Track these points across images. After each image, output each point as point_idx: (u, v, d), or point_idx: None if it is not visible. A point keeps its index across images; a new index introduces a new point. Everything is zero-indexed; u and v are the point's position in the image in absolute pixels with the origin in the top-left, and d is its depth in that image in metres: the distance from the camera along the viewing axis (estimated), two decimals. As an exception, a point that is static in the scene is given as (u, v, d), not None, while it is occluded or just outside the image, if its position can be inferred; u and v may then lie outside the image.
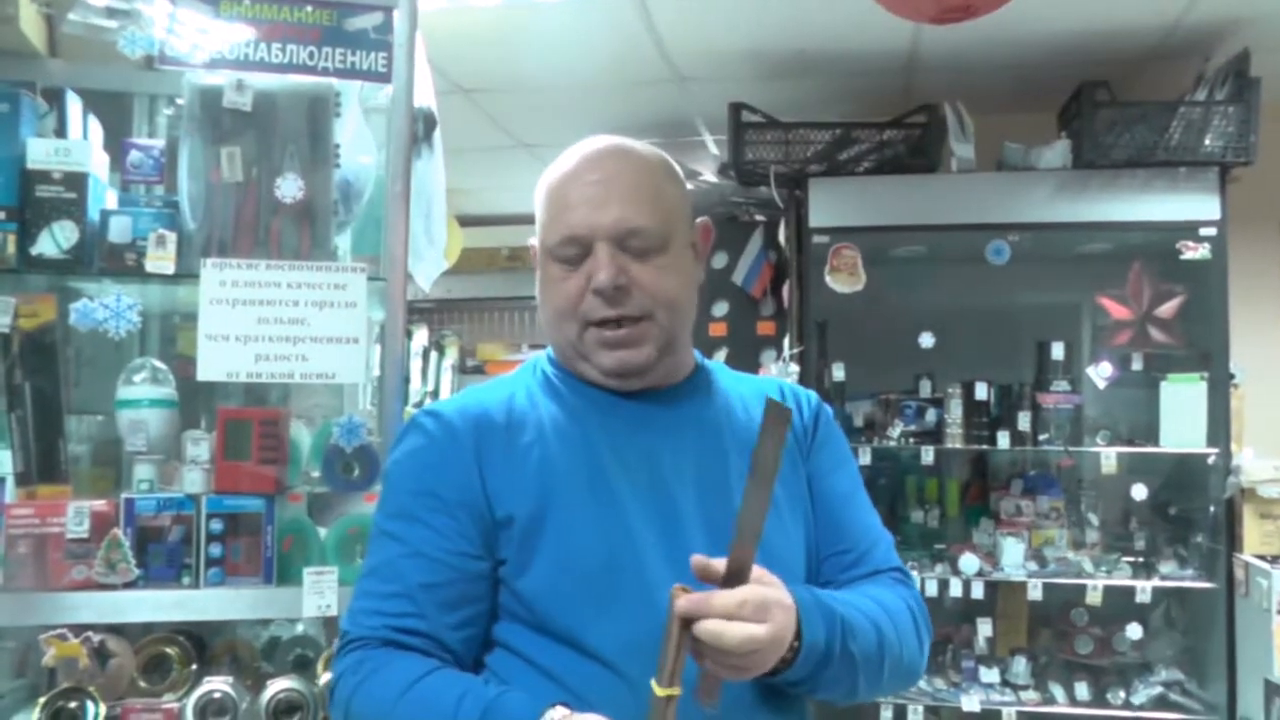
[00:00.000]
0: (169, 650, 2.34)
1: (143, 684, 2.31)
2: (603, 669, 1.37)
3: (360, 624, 1.42)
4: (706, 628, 1.21)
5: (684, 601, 1.22)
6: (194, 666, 2.34)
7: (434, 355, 6.78)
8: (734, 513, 1.42)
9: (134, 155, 2.34)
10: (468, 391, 1.61)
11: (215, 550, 2.20)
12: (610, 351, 1.48)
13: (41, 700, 2.18)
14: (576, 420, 1.51)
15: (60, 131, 2.36)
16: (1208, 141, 3.89)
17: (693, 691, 1.24)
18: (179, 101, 2.34)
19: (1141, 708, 4.02)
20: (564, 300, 1.48)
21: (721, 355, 4.60)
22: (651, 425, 1.51)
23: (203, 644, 2.43)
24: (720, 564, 1.26)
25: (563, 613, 1.39)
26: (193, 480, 2.22)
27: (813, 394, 1.70)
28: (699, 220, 1.60)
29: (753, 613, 1.23)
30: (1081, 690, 4.12)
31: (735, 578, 1.24)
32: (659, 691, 1.20)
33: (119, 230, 2.21)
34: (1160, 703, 4.04)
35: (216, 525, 2.21)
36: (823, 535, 1.58)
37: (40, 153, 2.21)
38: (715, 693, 1.26)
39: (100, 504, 2.20)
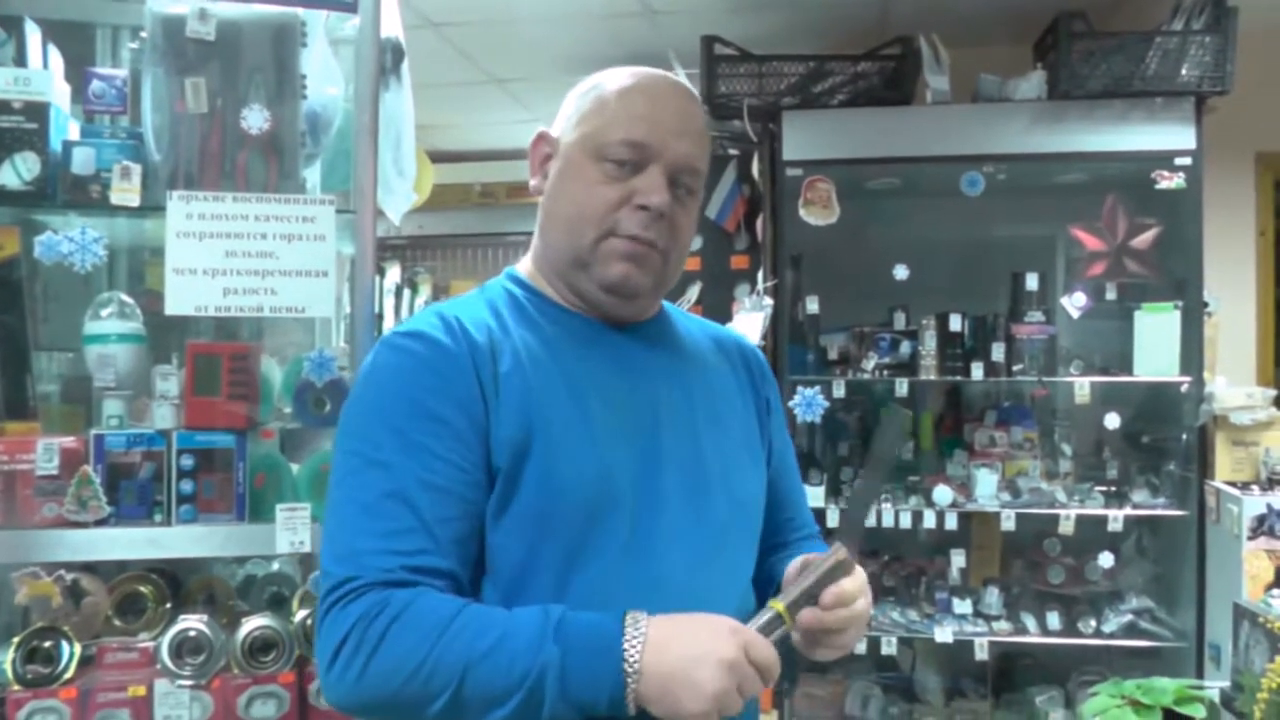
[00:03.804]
0: (143, 589, 2.33)
1: (117, 623, 2.31)
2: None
3: (368, 565, 1.26)
4: (843, 620, 1.33)
5: (850, 585, 1.34)
6: (168, 605, 2.34)
7: (407, 292, 6.75)
8: (702, 456, 1.47)
9: (96, 85, 2.29)
10: (437, 308, 1.48)
11: (187, 487, 2.19)
12: (622, 264, 1.42)
13: (15, 640, 2.17)
14: (553, 351, 1.43)
15: (20, 61, 2.31)
16: (1184, 71, 3.88)
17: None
18: (143, 34, 2.29)
19: (1112, 635, 4.07)
20: (596, 204, 1.41)
21: (695, 289, 4.59)
22: (631, 363, 1.48)
23: (177, 582, 2.42)
24: (820, 558, 1.34)
25: (543, 567, 1.33)
26: (163, 416, 2.20)
27: (762, 356, 1.72)
28: None
29: (863, 590, 1.37)
30: (1053, 620, 4.16)
31: (843, 570, 1.33)
32: (778, 605, 1.30)
33: (82, 162, 2.17)
34: (1130, 630, 4.09)
35: (187, 462, 2.19)
36: (773, 499, 1.61)
37: (-1, 81, 2.17)
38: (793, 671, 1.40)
39: (70, 441, 2.18)
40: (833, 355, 4.38)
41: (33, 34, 2.37)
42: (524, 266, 1.56)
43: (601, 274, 1.43)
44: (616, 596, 1.31)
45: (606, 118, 1.43)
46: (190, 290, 2.14)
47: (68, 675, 2.16)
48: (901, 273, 4.15)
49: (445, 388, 1.35)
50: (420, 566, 1.27)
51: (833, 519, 4.16)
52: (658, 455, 1.42)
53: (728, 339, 1.68)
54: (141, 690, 2.18)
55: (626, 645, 1.21)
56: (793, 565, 1.41)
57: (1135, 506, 4.09)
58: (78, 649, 2.18)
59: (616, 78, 1.48)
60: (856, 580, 1.34)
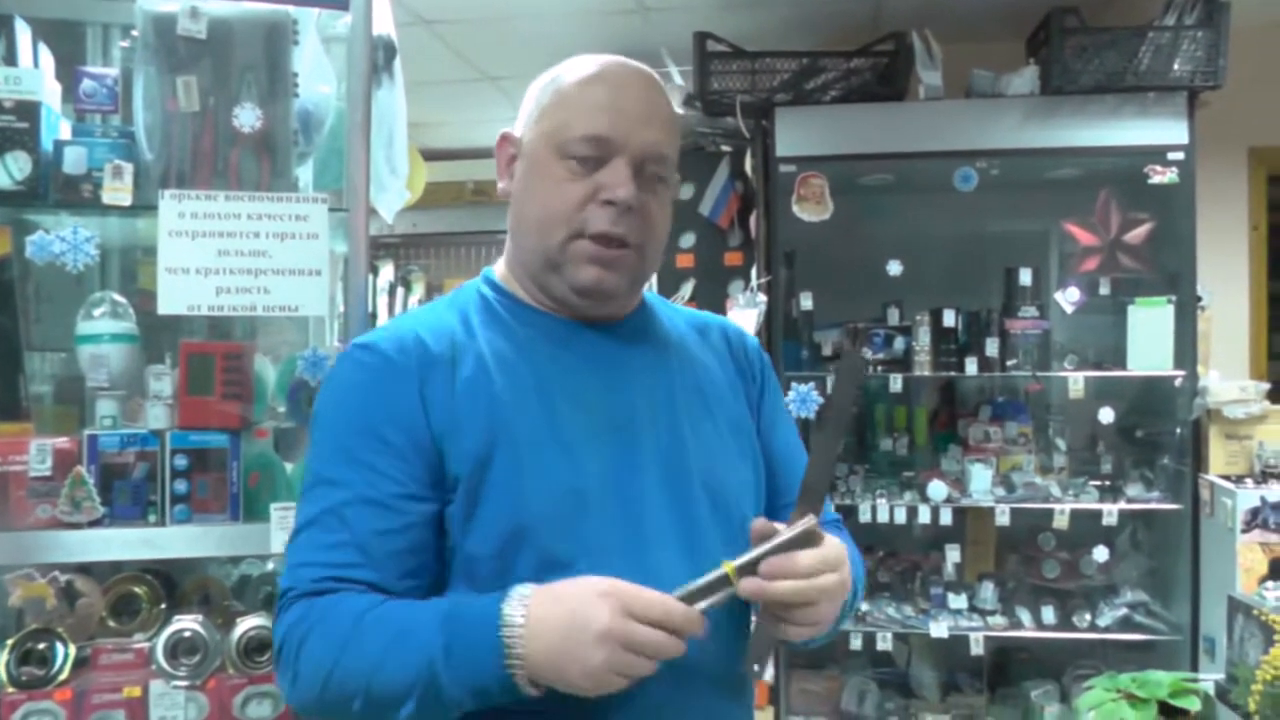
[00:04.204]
0: (137, 589, 2.32)
1: (112, 624, 2.30)
2: None
3: (301, 577, 1.31)
4: (791, 591, 1.23)
5: (779, 566, 1.23)
6: (163, 605, 2.33)
7: (400, 291, 6.74)
8: (683, 454, 1.43)
9: (87, 84, 2.28)
10: (400, 319, 1.49)
11: (181, 487, 2.18)
12: (593, 268, 1.39)
13: (10, 642, 2.16)
14: (524, 353, 1.41)
15: (10, 60, 2.30)
16: (1176, 66, 3.88)
17: (744, 660, 1.31)
18: (134, 33, 2.28)
19: (1107, 629, 4.08)
20: (562, 204, 1.38)
21: (689, 286, 4.59)
22: (606, 362, 1.45)
23: (172, 583, 2.41)
24: (785, 529, 1.25)
25: (519, 576, 1.28)
26: (156, 416, 2.19)
27: (753, 338, 1.67)
28: None
29: (833, 564, 1.26)
30: (1048, 614, 4.16)
31: (807, 541, 1.25)
32: (728, 565, 1.23)
33: (74, 161, 2.16)
34: (1125, 624, 4.10)
35: (181, 461, 2.18)
36: (773, 483, 1.56)
37: (-12, 81, 2.16)
38: (765, 658, 1.31)
39: (63, 441, 2.18)
40: (827, 351, 4.38)
41: (23, 33, 2.36)
42: (499, 268, 1.53)
43: (573, 276, 1.40)
44: None
45: (566, 112, 1.40)
46: (183, 289, 2.13)
47: (62, 677, 2.15)
48: (895, 268, 4.15)
49: (386, 404, 1.35)
50: (347, 578, 1.29)
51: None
52: (635, 455, 1.39)
53: (712, 325, 1.63)
54: (137, 691, 2.17)
55: (506, 626, 1.18)
56: (756, 524, 1.29)
57: (1129, 501, 4.10)
58: (72, 650, 2.17)
59: (574, 69, 1.44)
60: (817, 554, 1.25)
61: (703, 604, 1.21)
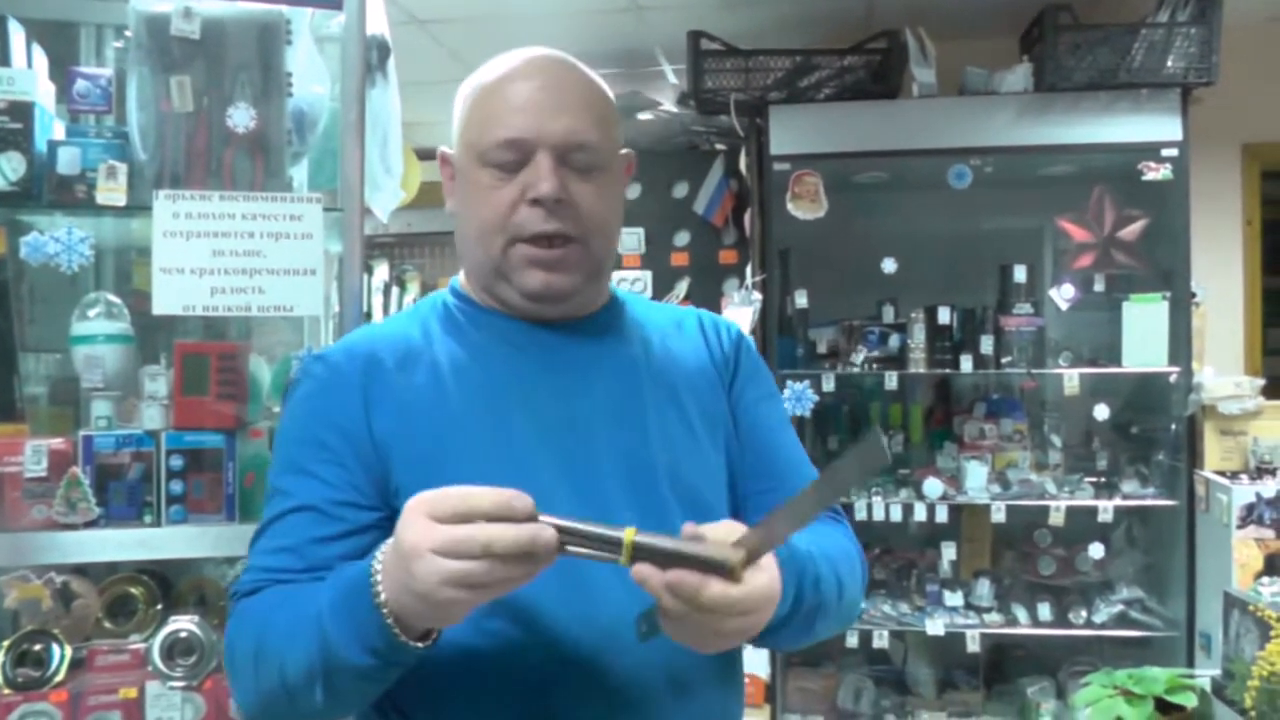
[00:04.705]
0: (133, 590, 2.32)
1: (108, 625, 2.29)
2: (512, 626, 1.26)
3: (241, 583, 1.31)
4: (677, 613, 1.07)
5: (686, 586, 1.05)
6: (159, 606, 2.33)
7: (395, 290, 6.73)
8: (648, 454, 1.37)
9: (81, 84, 2.28)
10: (359, 330, 1.49)
11: (176, 487, 2.18)
12: (538, 271, 1.35)
13: (5, 643, 2.16)
14: (479, 359, 1.39)
15: (3, 60, 2.30)
16: (1170, 63, 3.89)
17: (639, 616, 1.14)
18: (127, 34, 2.28)
19: (1103, 626, 4.09)
20: (493, 211, 1.35)
21: (684, 285, 4.59)
22: (564, 363, 1.41)
23: (168, 583, 2.41)
24: (724, 536, 1.10)
25: None
26: (152, 416, 2.19)
27: (734, 324, 1.60)
28: (625, 152, 1.50)
29: (740, 610, 1.09)
30: (1044, 611, 4.17)
31: (720, 571, 1.07)
32: (630, 533, 1.07)
33: (68, 161, 2.15)
34: (1121, 620, 4.11)
35: (177, 462, 2.18)
36: (751, 471, 1.49)
37: (-19, 82, 2.16)
38: (656, 625, 1.13)
39: (58, 442, 2.17)
40: (822, 349, 4.39)
41: (16, 33, 2.35)
42: (462, 276, 1.51)
43: (520, 283, 1.37)
44: (557, 605, 1.26)
45: (480, 120, 1.37)
46: (178, 289, 2.13)
47: (58, 678, 2.15)
48: (890, 266, 4.16)
49: (330, 413, 1.34)
50: (279, 581, 1.28)
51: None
52: (594, 457, 1.35)
53: (688, 317, 1.58)
54: (133, 692, 2.17)
55: (374, 571, 1.10)
56: (686, 529, 1.12)
57: (1125, 497, 4.11)
58: (68, 651, 2.17)
59: (484, 73, 1.41)
60: (733, 595, 1.07)
61: (581, 551, 1.07)
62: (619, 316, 1.51)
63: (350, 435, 1.32)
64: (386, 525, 1.26)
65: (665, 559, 1.06)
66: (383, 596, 1.08)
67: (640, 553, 1.06)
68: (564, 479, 1.33)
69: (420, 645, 1.12)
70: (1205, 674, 2.36)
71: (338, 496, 1.30)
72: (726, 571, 1.06)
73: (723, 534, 1.11)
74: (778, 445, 1.53)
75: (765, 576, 1.11)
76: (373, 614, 1.09)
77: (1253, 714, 2.13)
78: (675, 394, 1.45)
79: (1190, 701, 2.16)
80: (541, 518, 1.05)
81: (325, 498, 1.30)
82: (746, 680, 4.03)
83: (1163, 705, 2.18)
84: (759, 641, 1.26)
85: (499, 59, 1.41)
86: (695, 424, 1.45)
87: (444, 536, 1.02)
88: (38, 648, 2.16)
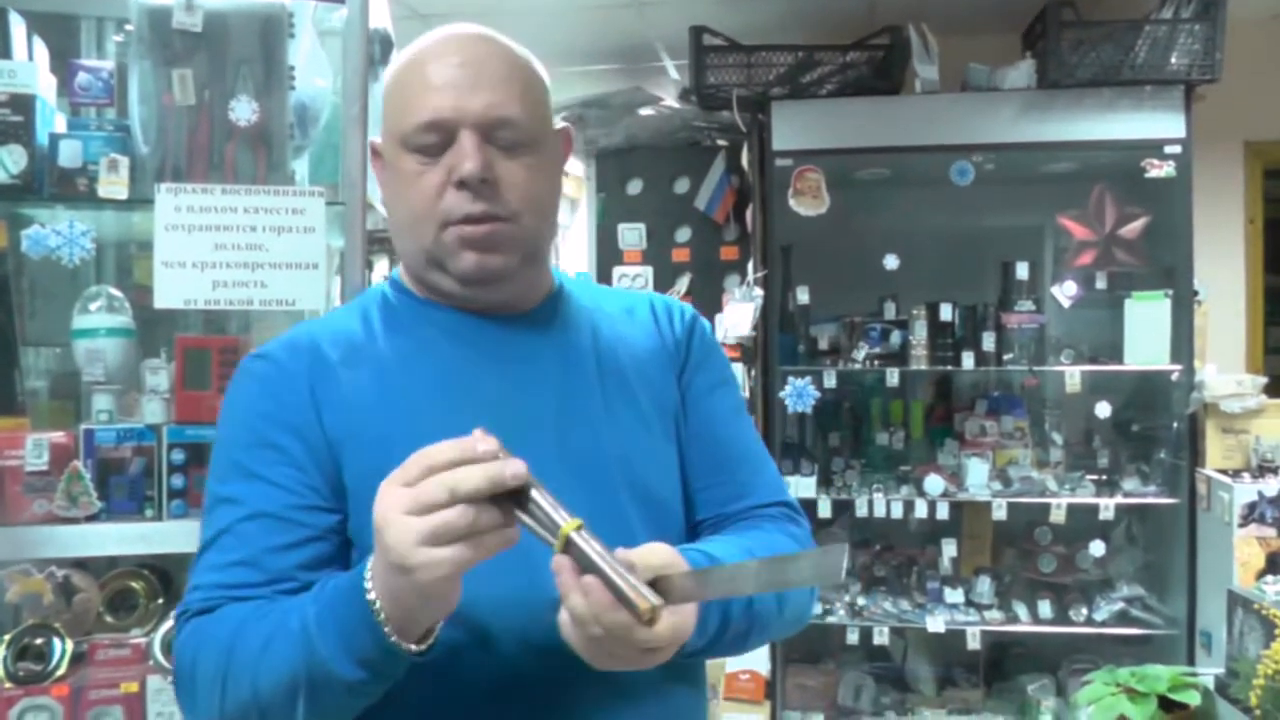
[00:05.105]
0: (134, 584, 2.32)
1: (109, 619, 2.29)
2: (466, 633, 1.19)
3: (192, 600, 1.22)
4: (580, 615, 1.02)
5: (593, 602, 1.00)
6: (160, 601, 2.32)
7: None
8: (599, 449, 1.31)
9: (82, 77, 2.27)
10: (300, 324, 1.41)
11: (177, 482, 2.17)
12: (471, 254, 1.28)
13: (6, 637, 2.16)
14: (422, 354, 1.33)
15: (4, 52, 2.29)
16: (1173, 59, 3.88)
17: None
18: (128, 27, 2.28)
19: (1104, 624, 4.09)
20: (421, 198, 1.28)
21: (684, 281, 4.59)
22: (511, 356, 1.35)
23: (169, 578, 2.40)
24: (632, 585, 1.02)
25: None
26: (153, 411, 2.19)
27: (687, 306, 1.53)
28: (561, 127, 1.42)
29: (661, 647, 1.05)
30: (1045, 608, 4.17)
31: (639, 614, 1.01)
32: (571, 524, 1.01)
33: (69, 154, 2.15)
34: (1122, 618, 4.10)
35: (178, 456, 2.17)
36: (701, 462, 1.43)
37: (-18, 74, 2.15)
38: None
39: (59, 436, 2.17)
40: (823, 345, 4.38)
41: (17, 25, 2.35)
42: (401, 268, 1.44)
43: (455, 268, 1.30)
44: (508, 611, 1.20)
45: (399, 105, 1.31)
46: (179, 283, 2.12)
47: (59, 672, 2.14)
48: (891, 262, 4.16)
49: (279, 412, 1.27)
50: (238, 597, 1.20)
51: (824, 509, 4.16)
52: (546, 454, 1.26)
53: (640, 302, 1.51)
54: (134, 687, 2.17)
55: (366, 576, 1.06)
56: (619, 553, 1.05)
57: (1126, 495, 4.10)
58: (69, 646, 2.16)
59: (402, 55, 1.35)
60: (636, 632, 1.02)
61: (529, 521, 1.02)
62: (566, 304, 1.45)
63: (302, 434, 1.26)
64: (345, 530, 1.25)
65: (590, 569, 1.01)
66: (372, 595, 1.04)
67: (571, 549, 1.02)
68: None
69: (415, 649, 1.07)
70: (1208, 672, 2.36)
71: (294, 500, 1.23)
72: (638, 614, 1.01)
73: (657, 562, 1.06)
74: (729, 439, 1.46)
75: (676, 619, 1.05)
76: (365, 619, 1.05)
77: (1258, 712, 2.13)
78: (627, 384, 1.40)
79: (1194, 700, 2.16)
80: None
81: (281, 503, 1.23)
82: (747, 676, 4.07)
83: (1166, 703, 2.18)
84: (688, 658, 1.20)
85: (418, 40, 1.36)
86: (649, 416, 1.40)
87: (410, 495, 0.99)
88: (39, 642, 2.15)
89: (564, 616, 1.04)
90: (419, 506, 0.98)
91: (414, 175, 1.29)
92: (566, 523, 1.01)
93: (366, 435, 1.25)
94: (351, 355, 1.32)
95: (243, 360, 1.35)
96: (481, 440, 1.01)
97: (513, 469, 0.99)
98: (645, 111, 4.72)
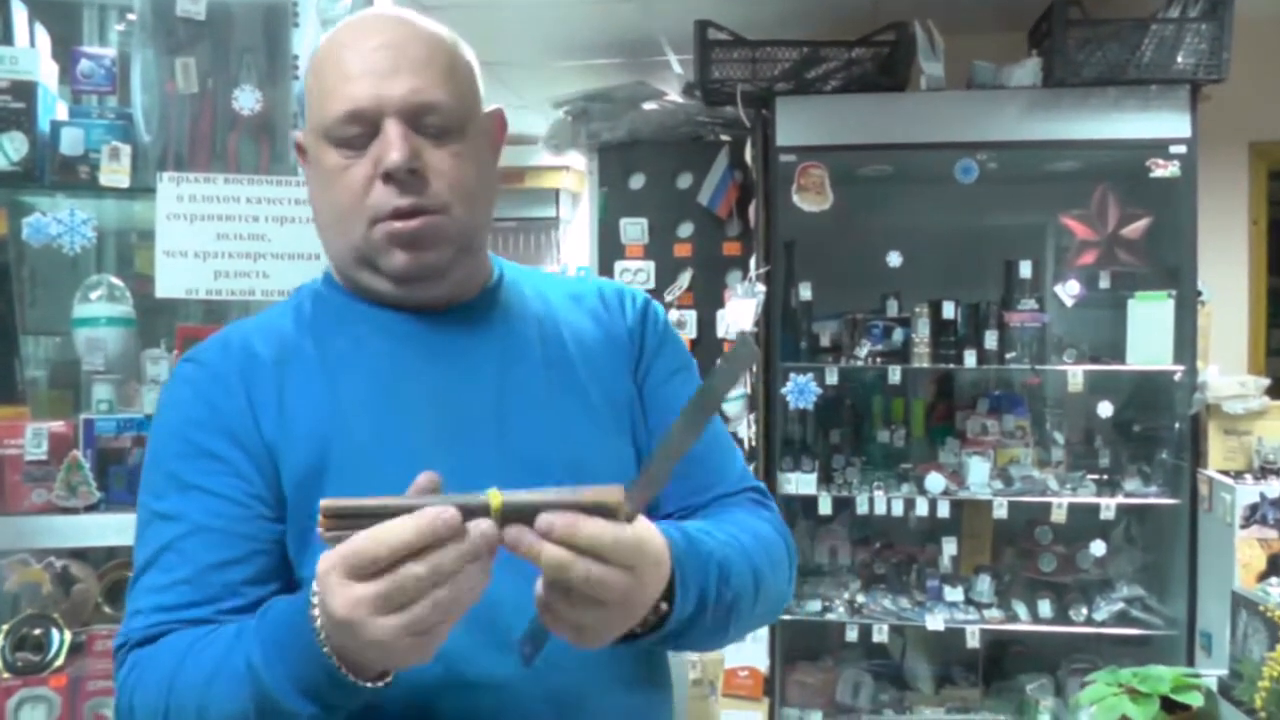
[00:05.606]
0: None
1: (107, 609, 2.29)
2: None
3: (133, 628, 1.15)
4: (555, 559, 0.93)
5: (560, 524, 0.93)
6: (159, 591, 2.31)
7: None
8: (542, 443, 1.25)
9: (84, 65, 2.26)
10: (232, 324, 1.34)
11: (178, 472, 2.16)
12: (403, 251, 1.22)
13: (5, 627, 2.15)
14: (357, 355, 1.26)
15: (6, 39, 2.28)
16: (1179, 59, 3.87)
17: (521, 639, 1.04)
18: (131, 15, 2.27)
19: (1103, 624, 4.07)
20: (346, 193, 1.22)
21: (686, 276, 4.58)
22: (444, 352, 1.28)
23: (167, 568, 2.40)
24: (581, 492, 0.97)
25: None
26: (153, 400, 2.18)
27: (641, 292, 1.46)
28: (493, 109, 1.35)
29: (626, 558, 0.97)
30: (1044, 608, 4.16)
31: (605, 514, 0.96)
32: (496, 497, 0.93)
33: (71, 142, 2.14)
34: (1122, 618, 4.09)
35: (179, 447, 2.16)
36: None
37: (-16, 61, 2.14)
38: (540, 644, 1.04)
39: (59, 425, 2.16)
40: (825, 342, 4.37)
41: (19, 12, 2.34)
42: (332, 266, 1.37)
43: (387, 266, 1.24)
44: (467, 636, 1.06)
45: (320, 96, 1.24)
46: (181, 273, 2.12)
47: (58, 663, 2.14)
48: (894, 260, 4.15)
49: (214, 418, 1.20)
50: (182, 619, 1.13)
51: (825, 506, 4.16)
52: (487, 454, 1.23)
53: (587, 290, 1.44)
54: (131, 678, 2.16)
55: (312, 604, 0.98)
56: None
57: (1127, 495, 4.09)
58: (68, 636, 2.16)
59: (325, 41, 1.28)
60: (612, 532, 0.95)
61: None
62: (507, 294, 1.37)
63: (240, 440, 1.19)
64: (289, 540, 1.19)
65: (538, 509, 0.94)
66: (323, 635, 0.97)
67: (511, 513, 0.93)
68: (459, 480, 1.03)
69: (375, 685, 1.00)
70: (1211, 673, 2.35)
71: (238, 512, 1.17)
72: (607, 512, 0.95)
73: (589, 492, 0.98)
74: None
75: (650, 531, 1.01)
76: (316, 657, 0.98)
77: (1263, 715, 2.12)
78: (574, 375, 1.33)
79: (1196, 701, 2.15)
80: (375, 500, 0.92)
81: (223, 515, 1.16)
82: (746, 673, 4.06)
83: (1168, 704, 2.17)
84: (672, 645, 1.17)
85: (336, 27, 1.29)
86: (597, 407, 1.33)
87: (374, 594, 0.90)
88: (37, 632, 2.15)
89: (540, 593, 0.98)
90: (389, 605, 0.91)
91: (338, 170, 1.23)
92: (489, 495, 0.93)
93: (299, 442, 1.20)
94: (284, 356, 1.25)
95: (178, 364, 1.29)
96: (438, 517, 0.90)
97: (486, 538, 0.92)
98: (649, 106, 4.71)
